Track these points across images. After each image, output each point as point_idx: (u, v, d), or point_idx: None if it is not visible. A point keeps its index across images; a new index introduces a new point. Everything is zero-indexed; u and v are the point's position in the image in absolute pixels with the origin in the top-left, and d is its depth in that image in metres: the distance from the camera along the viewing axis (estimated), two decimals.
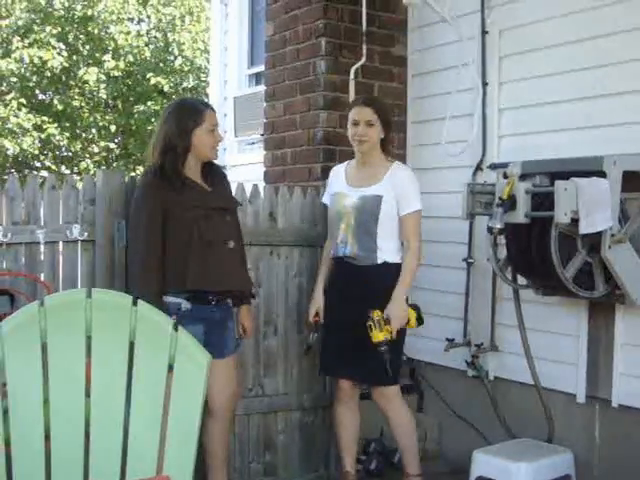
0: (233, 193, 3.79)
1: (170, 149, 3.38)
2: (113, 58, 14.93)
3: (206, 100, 3.81)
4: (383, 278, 3.75)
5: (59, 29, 14.77)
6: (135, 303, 2.42)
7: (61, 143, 15.14)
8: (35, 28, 14.64)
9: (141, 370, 2.37)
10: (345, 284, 3.84)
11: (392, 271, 3.75)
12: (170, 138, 3.38)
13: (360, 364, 3.76)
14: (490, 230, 3.65)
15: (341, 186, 3.91)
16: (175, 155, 3.38)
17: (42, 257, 3.60)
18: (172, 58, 15.69)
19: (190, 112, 3.42)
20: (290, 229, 4.24)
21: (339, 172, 4.00)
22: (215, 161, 3.61)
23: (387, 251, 3.77)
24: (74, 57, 14.89)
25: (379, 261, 3.77)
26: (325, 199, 4.07)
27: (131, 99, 15.46)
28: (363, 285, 3.76)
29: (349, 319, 3.73)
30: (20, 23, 14.64)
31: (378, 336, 3.59)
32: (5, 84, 14.85)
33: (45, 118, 14.58)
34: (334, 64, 4.61)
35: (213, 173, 3.55)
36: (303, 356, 4.24)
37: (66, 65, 14.60)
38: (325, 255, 4.02)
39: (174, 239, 3.34)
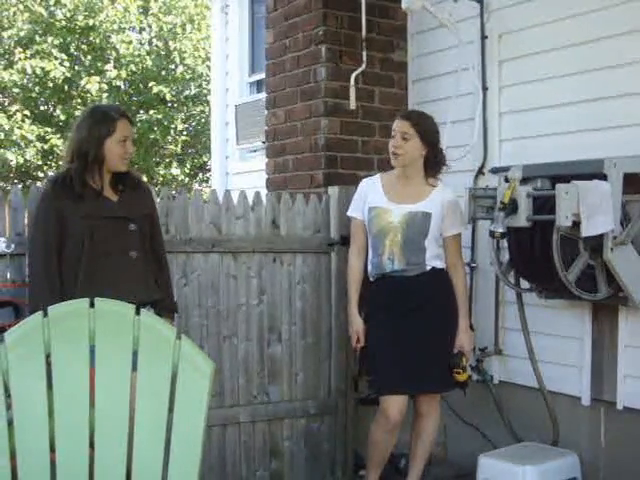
0: (157, 201, 3.61)
1: (80, 157, 3.29)
2: (115, 67, 14.95)
3: (122, 107, 3.63)
4: (435, 283, 3.78)
5: (61, 40, 14.78)
6: (138, 312, 2.42)
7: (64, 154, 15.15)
8: (37, 39, 14.65)
9: (145, 379, 2.37)
10: (397, 299, 3.75)
11: (442, 276, 3.80)
12: (81, 146, 3.30)
13: (432, 373, 3.77)
14: (492, 234, 3.66)
15: (380, 201, 3.79)
16: (83, 163, 3.28)
17: None
18: (174, 66, 15.70)
19: (102, 120, 3.31)
20: (293, 236, 4.25)
21: (374, 185, 3.86)
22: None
23: (431, 259, 3.76)
24: (76, 67, 14.91)
25: (427, 268, 3.76)
26: (354, 212, 3.91)
27: (133, 108, 15.46)
28: (418, 293, 3.75)
29: (414, 333, 3.72)
30: (22, 34, 14.66)
31: (464, 376, 3.77)
32: (8, 95, 14.89)
33: (48, 129, 14.61)
34: (334, 71, 4.62)
35: (127, 182, 3.42)
36: (307, 362, 4.25)
37: (68, 75, 14.61)
38: (356, 273, 3.88)
39: (68, 248, 3.24)
